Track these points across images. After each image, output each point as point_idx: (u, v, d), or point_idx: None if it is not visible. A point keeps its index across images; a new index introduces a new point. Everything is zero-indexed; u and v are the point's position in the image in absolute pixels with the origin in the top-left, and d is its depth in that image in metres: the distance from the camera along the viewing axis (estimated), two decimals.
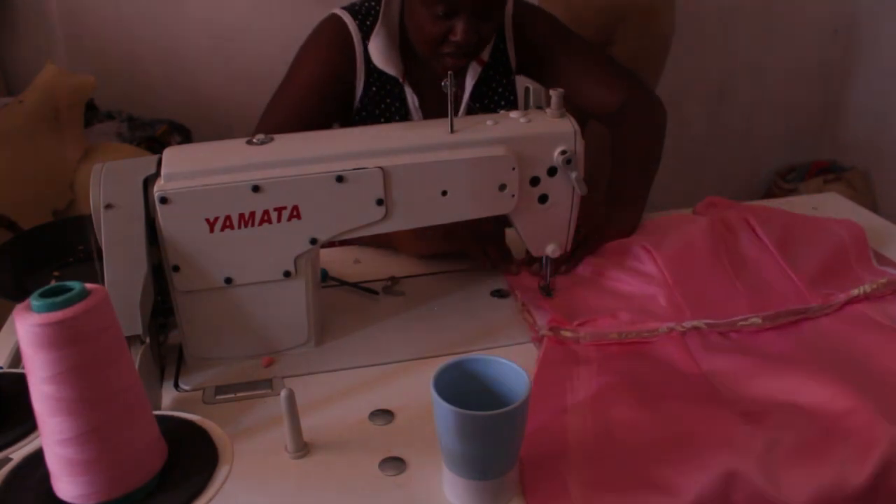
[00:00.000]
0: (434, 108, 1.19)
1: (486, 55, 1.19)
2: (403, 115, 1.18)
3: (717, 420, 0.72)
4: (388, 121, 1.17)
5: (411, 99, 1.17)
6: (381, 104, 1.17)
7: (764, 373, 0.79)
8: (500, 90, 1.22)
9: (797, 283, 0.94)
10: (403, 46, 1.16)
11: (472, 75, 1.19)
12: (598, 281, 0.98)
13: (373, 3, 1.16)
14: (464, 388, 0.63)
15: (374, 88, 1.16)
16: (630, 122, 1.16)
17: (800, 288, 0.93)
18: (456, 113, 1.18)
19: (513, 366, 0.64)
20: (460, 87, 1.20)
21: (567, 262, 1.00)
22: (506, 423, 0.60)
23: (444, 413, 0.60)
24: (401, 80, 1.15)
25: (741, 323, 0.87)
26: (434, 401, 0.60)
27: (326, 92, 1.15)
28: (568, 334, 0.85)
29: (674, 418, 0.72)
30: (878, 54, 2.52)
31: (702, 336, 0.86)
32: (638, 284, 0.95)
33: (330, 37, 1.16)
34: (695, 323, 0.87)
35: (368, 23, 1.14)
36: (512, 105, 1.22)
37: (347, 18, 1.15)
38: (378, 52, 1.13)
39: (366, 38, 1.14)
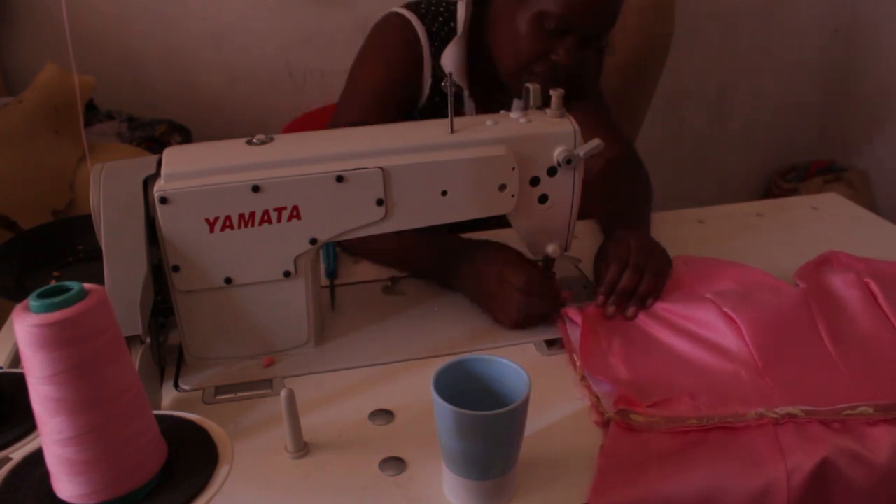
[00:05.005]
0: None
1: None
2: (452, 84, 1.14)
3: None
4: None
5: (471, 115, 1.13)
6: (442, 114, 1.13)
7: (874, 484, 0.67)
8: None
9: None
10: (472, 62, 1.11)
11: None
12: (671, 349, 0.85)
13: (435, 7, 1.11)
14: (464, 387, 0.63)
15: (436, 99, 1.12)
16: (627, 171, 1.15)
17: None
18: None
19: (513, 365, 0.64)
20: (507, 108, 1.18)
21: (650, 296, 0.90)
22: (506, 422, 0.60)
23: (444, 413, 0.60)
24: (466, 95, 1.12)
25: (847, 412, 0.72)
26: (434, 401, 0.60)
27: (394, 97, 1.09)
28: (639, 419, 0.72)
29: None
30: (877, 54, 2.52)
31: (798, 427, 0.71)
32: (717, 360, 0.81)
33: (397, 38, 1.10)
34: (790, 409, 0.72)
35: (435, 28, 1.10)
36: None
37: (415, 21, 1.09)
38: (450, 61, 1.08)
39: (433, 42, 1.09)
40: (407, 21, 1.10)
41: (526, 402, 0.61)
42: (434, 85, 1.11)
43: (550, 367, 0.83)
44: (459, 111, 1.14)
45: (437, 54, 1.10)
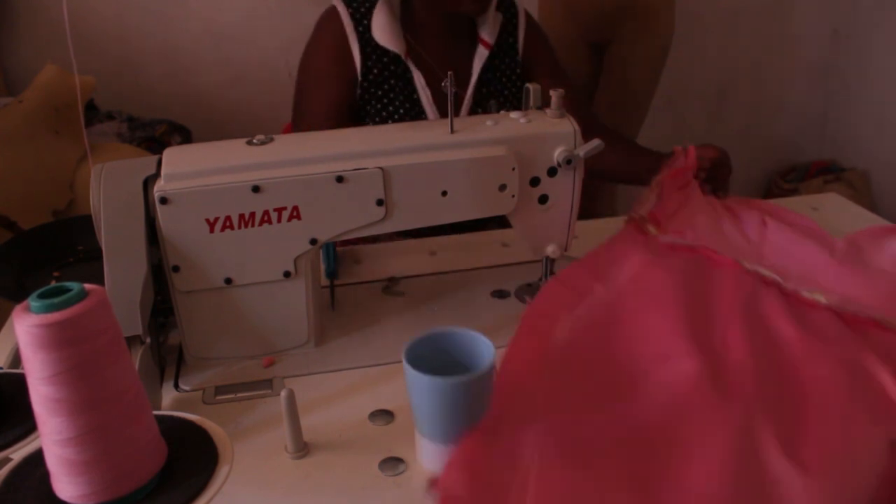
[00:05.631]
0: (440, 86, 1.20)
1: (491, 38, 1.20)
2: (409, 94, 1.18)
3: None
4: (393, 101, 1.18)
5: (417, 77, 1.18)
6: (385, 84, 1.17)
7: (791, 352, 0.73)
8: (508, 73, 1.24)
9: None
10: (408, 20, 1.18)
11: (479, 60, 1.20)
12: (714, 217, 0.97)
13: None
14: (436, 361, 0.66)
15: (375, 70, 1.17)
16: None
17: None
18: (463, 98, 1.20)
19: (481, 337, 0.67)
20: (467, 71, 1.21)
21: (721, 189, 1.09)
22: (471, 389, 0.63)
23: (414, 381, 0.63)
24: (403, 56, 1.16)
25: (805, 293, 0.82)
26: (406, 370, 0.63)
27: (338, 85, 1.17)
28: (651, 230, 0.89)
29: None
30: (877, 54, 2.52)
31: (758, 281, 0.83)
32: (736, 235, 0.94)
33: (323, 31, 1.19)
34: (762, 270, 0.84)
35: (364, 9, 1.17)
36: (518, 91, 1.24)
37: (340, 6, 1.18)
38: (380, 28, 1.15)
39: (361, 21, 1.16)
40: (332, 10, 1.18)
41: (491, 370, 0.64)
42: (363, 59, 1.17)
43: None
44: (405, 74, 1.18)
45: (365, 29, 1.17)
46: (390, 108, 1.18)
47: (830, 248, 0.93)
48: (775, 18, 2.52)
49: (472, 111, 1.22)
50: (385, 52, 1.16)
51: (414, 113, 1.18)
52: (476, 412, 0.64)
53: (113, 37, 2.06)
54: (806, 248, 0.92)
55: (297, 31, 2.13)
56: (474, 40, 1.22)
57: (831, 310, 0.80)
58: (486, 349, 0.66)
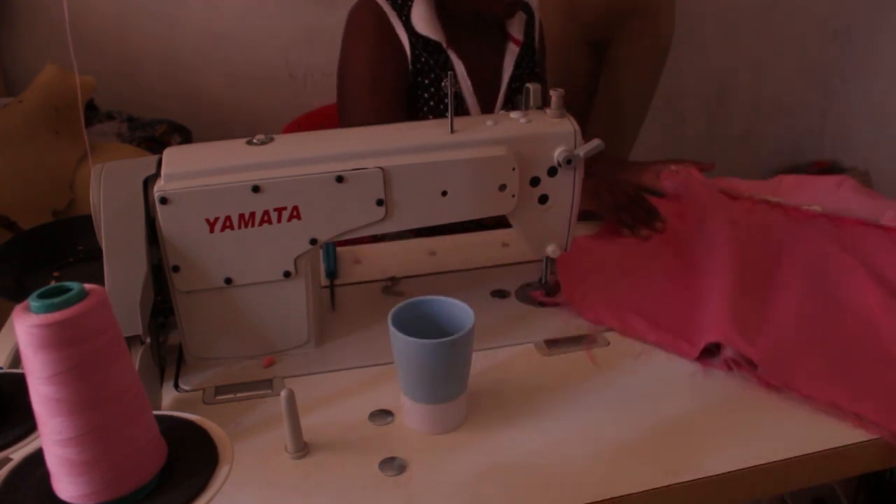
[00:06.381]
0: (482, 75, 1.21)
1: (520, 36, 1.21)
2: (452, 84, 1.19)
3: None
4: (438, 91, 1.18)
5: (458, 67, 1.18)
6: (431, 74, 1.18)
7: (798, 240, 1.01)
8: (530, 69, 1.26)
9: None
10: (443, 14, 1.18)
11: (510, 56, 1.21)
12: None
13: None
14: (421, 326, 0.70)
15: (422, 59, 1.17)
16: None
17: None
18: (496, 96, 1.23)
19: (462, 305, 0.72)
20: (500, 68, 1.23)
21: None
22: (451, 350, 0.67)
23: (400, 344, 0.68)
24: (444, 45, 1.17)
25: (805, 206, 1.09)
26: (392, 334, 0.68)
27: (387, 79, 1.16)
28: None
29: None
30: (877, 55, 2.52)
31: (765, 205, 1.12)
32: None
33: (367, 25, 1.17)
34: (769, 198, 1.13)
35: (400, 0, 1.17)
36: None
37: None
38: (421, 19, 1.15)
39: (402, 13, 1.16)
40: (369, 2, 1.16)
41: (470, 334, 0.68)
42: (413, 49, 1.16)
43: (550, 367, 0.83)
44: (447, 64, 1.18)
45: (407, 20, 1.16)
46: (437, 98, 1.18)
47: (839, 184, 1.14)
48: (775, 18, 2.52)
49: (504, 107, 1.24)
50: (427, 42, 1.16)
51: (456, 103, 1.19)
52: (456, 374, 0.69)
53: (113, 37, 2.06)
54: (815, 186, 1.15)
55: (297, 31, 2.15)
56: (504, 36, 1.23)
57: (825, 215, 1.07)
58: (466, 316, 0.70)
